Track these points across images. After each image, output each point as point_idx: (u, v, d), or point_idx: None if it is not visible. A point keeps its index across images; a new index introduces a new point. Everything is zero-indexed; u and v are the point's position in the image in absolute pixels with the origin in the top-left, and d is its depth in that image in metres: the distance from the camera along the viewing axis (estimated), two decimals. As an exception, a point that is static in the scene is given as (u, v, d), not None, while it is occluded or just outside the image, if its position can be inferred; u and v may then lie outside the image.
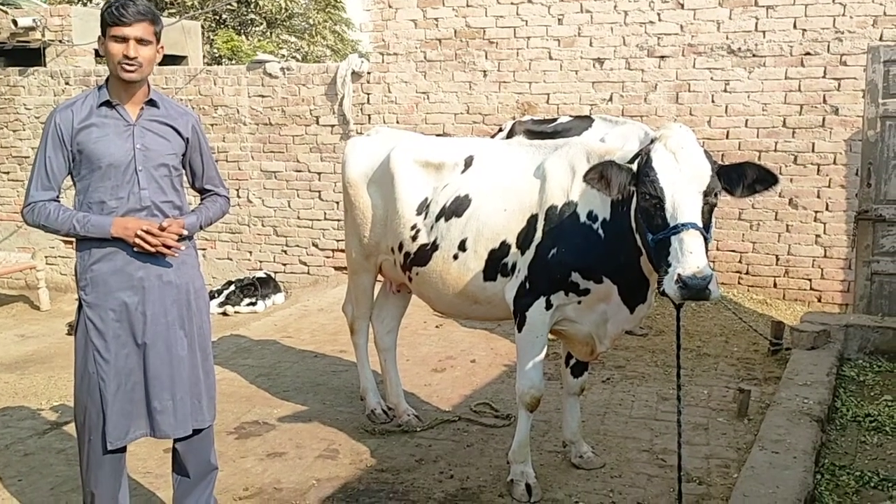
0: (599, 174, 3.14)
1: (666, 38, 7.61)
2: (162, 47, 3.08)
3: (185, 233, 3.06)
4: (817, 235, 7.36)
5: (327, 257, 9.18)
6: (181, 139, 3.14)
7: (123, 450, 3.13)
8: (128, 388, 3.03)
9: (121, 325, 3.02)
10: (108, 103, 3.01)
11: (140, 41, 2.94)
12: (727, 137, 7.51)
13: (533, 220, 3.63)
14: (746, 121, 7.46)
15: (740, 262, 7.62)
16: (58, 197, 3.04)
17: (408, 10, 8.47)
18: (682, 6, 7.51)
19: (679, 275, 2.86)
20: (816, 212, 7.34)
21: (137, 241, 2.94)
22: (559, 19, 7.94)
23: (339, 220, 8.58)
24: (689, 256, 2.86)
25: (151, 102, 3.08)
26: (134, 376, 3.04)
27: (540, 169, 3.68)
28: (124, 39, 2.92)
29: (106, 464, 3.07)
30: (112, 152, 2.98)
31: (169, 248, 2.99)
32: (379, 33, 8.63)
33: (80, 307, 3.06)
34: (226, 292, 8.80)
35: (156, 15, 3.01)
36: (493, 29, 8.19)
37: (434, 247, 3.94)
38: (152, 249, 2.95)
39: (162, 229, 2.97)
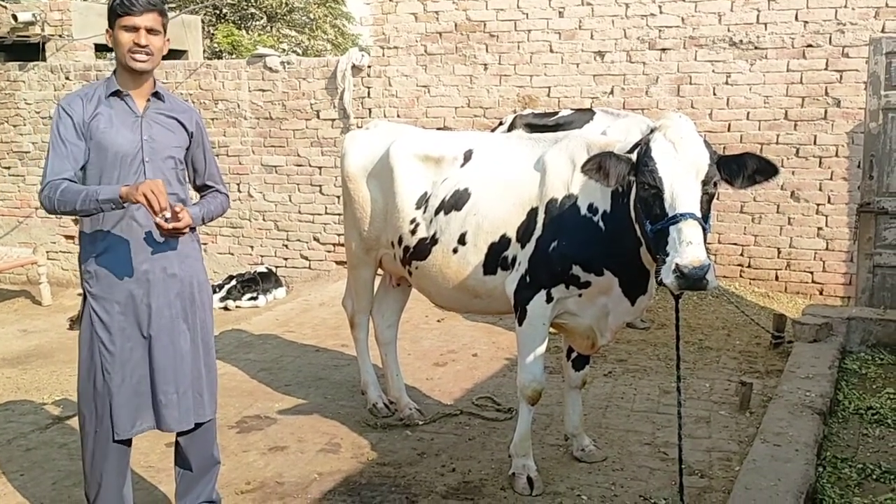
0: (597, 165, 3.13)
1: (667, 30, 7.58)
2: (168, 40, 3.09)
3: (192, 222, 3.04)
4: (819, 228, 7.35)
5: (328, 252, 9.18)
6: (186, 133, 3.15)
7: (129, 444, 3.13)
8: (133, 380, 3.04)
9: (126, 318, 3.02)
10: (117, 93, 3.01)
11: (150, 31, 2.95)
12: (729, 130, 7.49)
13: (533, 213, 3.63)
14: (748, 113, 7.43)
15: (742, 255, 7.61)
16: (74, 177, 2.94)
17: (408, 4, 8.44)
18: (684, -2, 7.49)
19: (677, 264, 2.85)
20: (818, 204, 7.32)
21: (140, 198, 2.75)
22: (560, 12, 7.91)
23: (340, 215, 8.55)
24: (687, 246, 2.85)
25: (157, 95, 3.09)
26: (139, 369, 3.05)
27: (540, 162, 3.67)
28: (134, 29, 2.93)
29: (111, 455, 3.07)
30: (120, 142, 2.98)
31: (177, 230, 2.89)
32: (379, 27, 8.61)
33: (84, 299, 3.06)
34: (227, 287, 8.79)
35: (164, 7, 3.03)
36: (494, 22, 8.16)
37: (434, 241, 3.93)
38: (157, 208, 2.76)
39: (174, 213, 2.90)
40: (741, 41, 7.35)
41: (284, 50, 20.34)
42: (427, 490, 3.76)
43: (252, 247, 9.51)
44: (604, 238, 3.43)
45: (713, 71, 7.49)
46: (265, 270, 9.11)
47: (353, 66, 8.68)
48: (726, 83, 7.46)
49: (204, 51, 14.35)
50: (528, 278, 3.62)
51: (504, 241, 3.71)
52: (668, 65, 7.62)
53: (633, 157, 3.14)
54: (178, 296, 3.10)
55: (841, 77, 7.12)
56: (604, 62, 7.83)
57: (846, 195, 7.21)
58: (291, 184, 9.22)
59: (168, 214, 2.83)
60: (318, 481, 3.88)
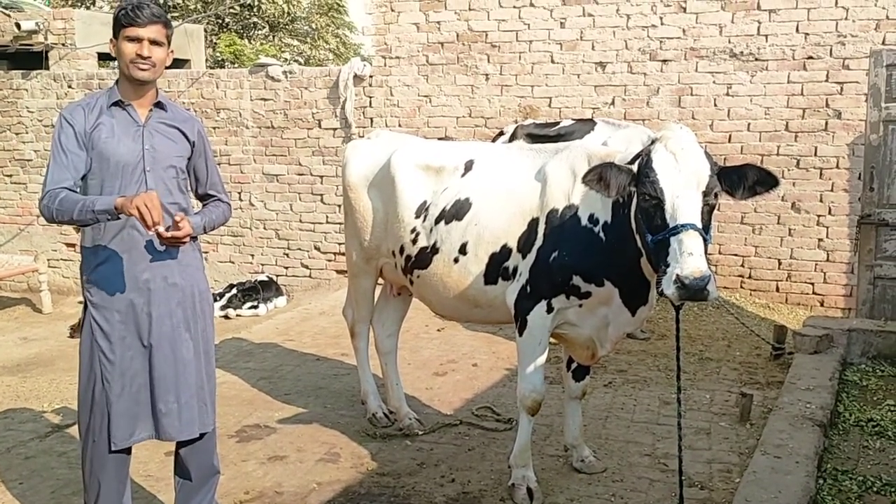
0: (598, 175, 3.14)
1: (668, 41, 7.61)
2: (172, 51, 3.11)
3: (192, 231, 3.04)
4: (820, 239, 7.35)
5: (329, 261, 9.18)
6: (188, 143, 3.17)
7: (128, 452, 3.13)
8: (133, 389, 3.04)
9: (126, 327, 3.02)
10: (119, 103, 3.03)
11: (153, 42, 2.98)
12: (729, 141, 7.50)
13: (534, 223, 3.63)
14: (749, 125, 7.45)
15: (743, 266, 7.61)
16: (74, 186, 2.95)
17: (410, 14, 8.48)
18: (685, 10, 7.51)
19: (678, 275, 2.85)
20: (819, 216, 7.33)
21: (134, 211, 2.75)
22: (561, 23, 7.94)
23: (340, 224, 8.56)
24: (688, 257, 2.86)
25: (159, 105, 3.11)
26: (139, 378, 3.04)
27: (541, 172, 3.68)
28: (138, 40, 2.95)
29: (109, 464, 3.07)
30: (121, 152, 2.99)
31: (177, 238, 2.89)
32: (381, 37, 8.64)
33: (85, 307, 3.06)
34: (227, 295, 8.80)
35: (168, 19, 3.06)
36: (496, 32, 8.19)
37: (435, 250, 3.94)
38: (150, 222, 2.75)
39: (174, 222, 2.91)
40: (742, 53, 7.37)
41: (286, 59, 20.38)
42: (426, 500, 3.75)
43: (253, 255, 9.52)
44: (604, 248, 3.43)
45: (714, 82, 7.50)
46: (266, 279, 9.11)
47: (355, 76, 8.71)
48: (727, 94, 7.48)
49: (206, 60, 14.40)
50: (528, 288, 3.62)
51: (505, 252, 3.71)
52: (669, 76, 7.64)
53: (634, 167, 3.14)
54: (179, 305, 3.10)
55: (841, 89, 7.14)
56: (605, 73, 7.85)
57: (847, 207, 7.21)
58: (293, 193, 9.23)
59: (161, 228, 2.83)
60: (317, 491, 3.87)
